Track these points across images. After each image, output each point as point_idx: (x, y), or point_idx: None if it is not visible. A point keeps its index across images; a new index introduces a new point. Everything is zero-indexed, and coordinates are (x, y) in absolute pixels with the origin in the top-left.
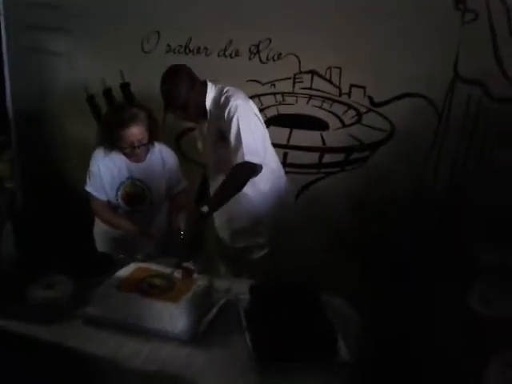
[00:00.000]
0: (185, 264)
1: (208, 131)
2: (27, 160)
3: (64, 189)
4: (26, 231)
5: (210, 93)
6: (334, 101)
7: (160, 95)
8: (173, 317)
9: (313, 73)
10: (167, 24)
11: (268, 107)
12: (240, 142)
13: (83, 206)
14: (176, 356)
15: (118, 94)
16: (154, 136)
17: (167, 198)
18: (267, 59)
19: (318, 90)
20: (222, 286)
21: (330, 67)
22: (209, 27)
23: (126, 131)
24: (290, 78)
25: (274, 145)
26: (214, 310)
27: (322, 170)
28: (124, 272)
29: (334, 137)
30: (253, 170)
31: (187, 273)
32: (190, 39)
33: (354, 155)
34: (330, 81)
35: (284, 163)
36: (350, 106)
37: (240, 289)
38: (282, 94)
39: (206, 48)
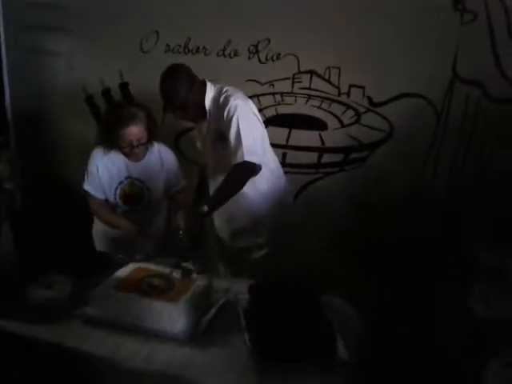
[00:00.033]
0: (184, 264)
1: (207, 131)
2: (26, 160)
3: (63, 189)
4: (25, 231)
5: (210, 92)
6: (333, 101)
7: (159, 95)
8: (172, 317)
9: (312, 73)
10: (166, 24)
11: (267, 107)
12: (239, 141)
13: (82, 206)
14: (175, 356)
15: (116, 93)
16: (152, 135)
17: (166, 197)
18: (266, 59)
19: (316, 90)
20: (222, 286)
21: (328, 67)
22: (208, 27)
23: (125, 130)
24: (288, 78)
25: (273, 145)
26: (213, 310)
27: (321, 170)
28: (123, 272)
29: (333, 137)
30: (252, 169)
31: (186, 273)
32: (189, 39)
33: (353, 155)
34: (328, 81)
35: (283, 163)
36: (348, 106)
37: (239, 289)
38: (281, 94)
39: (204, 48)
